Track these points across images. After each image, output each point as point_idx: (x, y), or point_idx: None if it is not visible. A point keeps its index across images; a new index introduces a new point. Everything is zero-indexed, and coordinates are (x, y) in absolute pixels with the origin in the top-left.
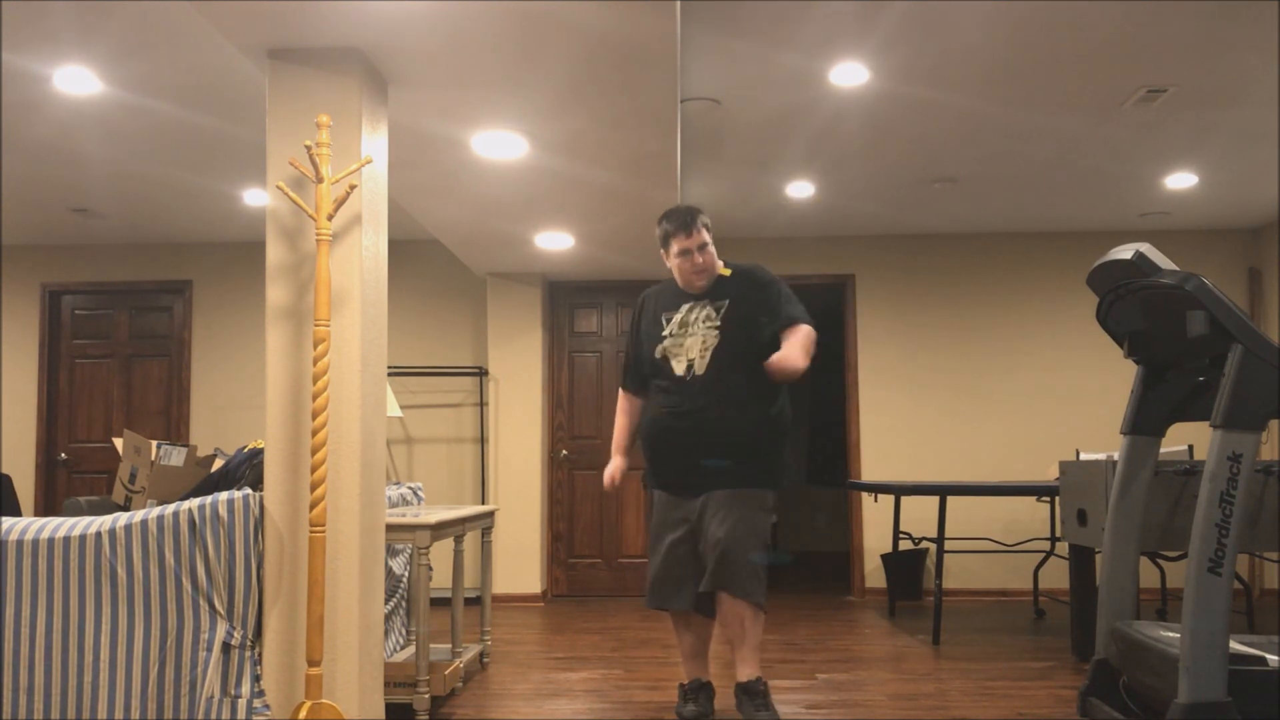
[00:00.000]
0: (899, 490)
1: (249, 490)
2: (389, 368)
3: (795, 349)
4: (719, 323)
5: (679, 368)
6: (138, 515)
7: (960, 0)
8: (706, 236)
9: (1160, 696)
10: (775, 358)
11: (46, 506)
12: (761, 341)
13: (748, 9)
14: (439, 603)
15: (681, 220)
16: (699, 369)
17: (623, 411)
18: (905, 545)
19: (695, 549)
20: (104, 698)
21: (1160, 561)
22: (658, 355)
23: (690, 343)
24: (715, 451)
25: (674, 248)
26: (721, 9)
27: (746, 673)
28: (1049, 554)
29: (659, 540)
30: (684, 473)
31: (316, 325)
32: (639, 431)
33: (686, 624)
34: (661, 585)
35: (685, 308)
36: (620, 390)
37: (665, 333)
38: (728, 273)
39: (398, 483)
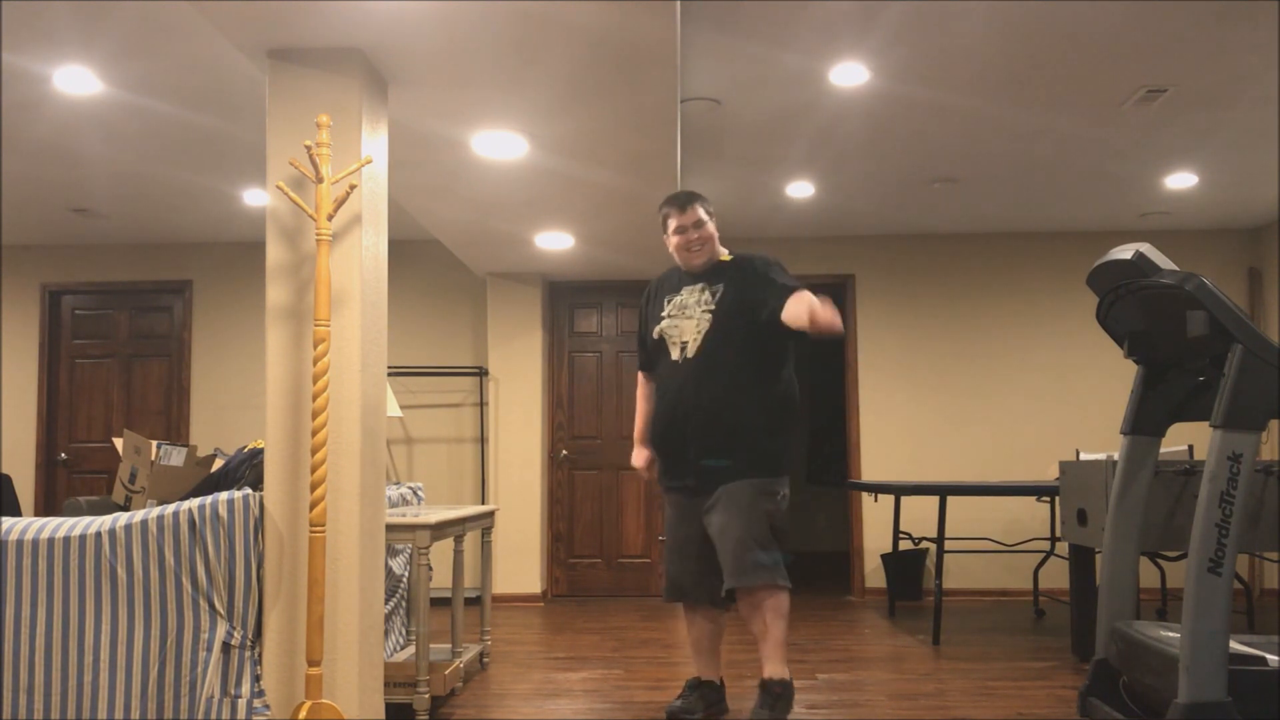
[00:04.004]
0: (899, 490)
1: (249, 490)
2: (389, 368)
3: (804, 301)
4: (713, 306)
5: (674, 352)
6: (138, 515)
7: (960, 0)
8: (702, 214)
9: (1160, 696)
10: (797, 312)
11: (46, 506)
12: (759, 322)
13: (748, 9)
14: (439, 603)
15: (678, 199)
16: (690, 352)
17: (643, 398)
18: (905, 545)
19: (709, 545)
20: (104, 698)
21: (1160, 561)
22: (655, 337)
23: (685, 325)
24: (714, 443)
25: (671, 225)
26: (721, 9)
27: (769, 670)
28: (1049, 554)
29: (673, 537)
30: (688, 472)
31: (316, 325)
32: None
33: (696, 618)
34: (679, 580)
35: (685, 290)
36: (639, 374)
37: (663, 314)
38: (728, 258)
39: (398, 483)
